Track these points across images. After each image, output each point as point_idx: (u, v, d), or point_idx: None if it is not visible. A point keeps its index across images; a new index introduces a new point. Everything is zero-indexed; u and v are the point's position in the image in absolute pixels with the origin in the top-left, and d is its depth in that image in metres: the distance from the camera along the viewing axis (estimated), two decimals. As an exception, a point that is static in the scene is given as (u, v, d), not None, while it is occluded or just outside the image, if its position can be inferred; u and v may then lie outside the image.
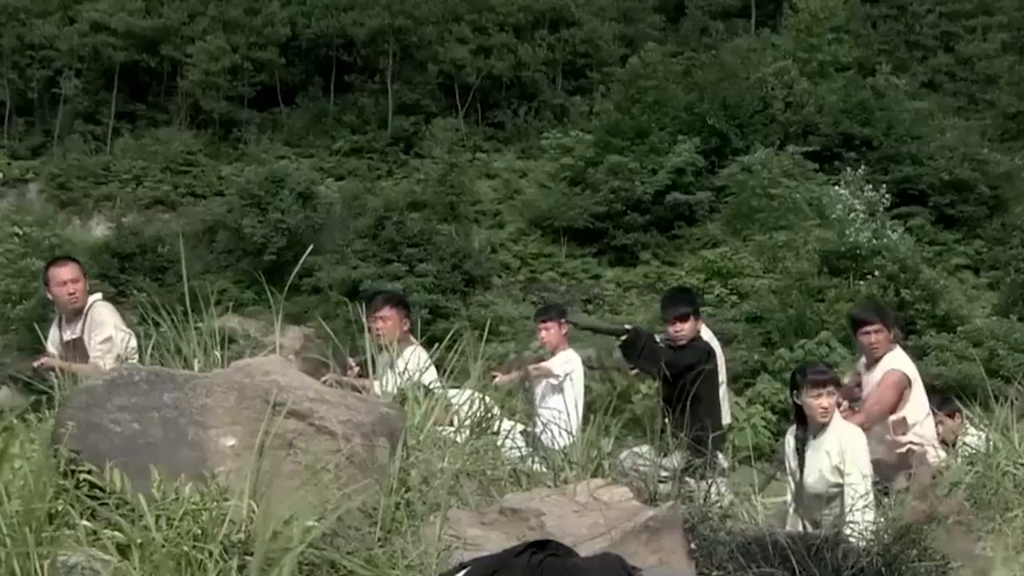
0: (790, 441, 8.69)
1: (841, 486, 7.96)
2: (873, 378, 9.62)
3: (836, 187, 65.44)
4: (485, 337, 11.35)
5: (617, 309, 64.28)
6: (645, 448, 10.52)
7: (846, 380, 10.09)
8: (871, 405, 9.44)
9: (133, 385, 5.14)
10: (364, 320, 10.52)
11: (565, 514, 5.13)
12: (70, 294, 9.81)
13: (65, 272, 9.91)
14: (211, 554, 4.54)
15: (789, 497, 8.62)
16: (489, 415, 6.86)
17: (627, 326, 10.53)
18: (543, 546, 4.58)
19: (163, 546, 4.48)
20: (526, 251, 72.21)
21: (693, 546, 5.21)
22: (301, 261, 53.42)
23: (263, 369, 5.36)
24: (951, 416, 11.44)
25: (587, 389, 11.97)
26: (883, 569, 5.72)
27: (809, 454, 8.37)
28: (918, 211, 69.51)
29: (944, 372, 45.21)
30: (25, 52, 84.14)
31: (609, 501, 5.23)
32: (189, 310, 7.07)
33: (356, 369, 8.68)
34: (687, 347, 10.27)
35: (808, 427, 8.45)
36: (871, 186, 64.77)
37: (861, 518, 7.08)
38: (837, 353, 45.46)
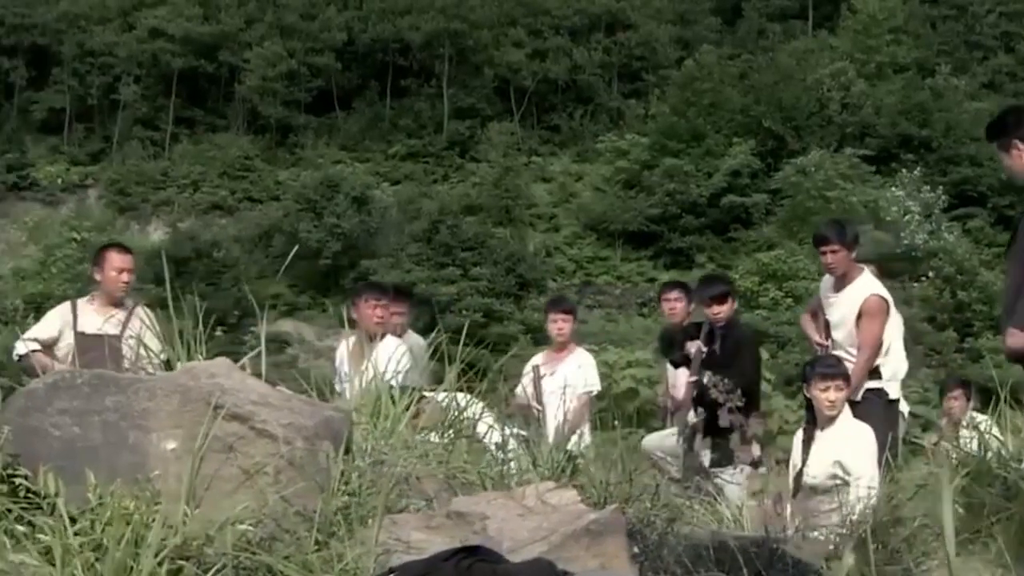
0: (799, 434, 8.66)
1: (841, 481, 7.86)
2: (843, 298, 9.60)
3: (893, 188, 65.04)
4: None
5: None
6: (669, 432, 10.50)
7: (812, 306, 10.13)
8: (865, 343, 9.42)
9: (75, 388, 5.13)
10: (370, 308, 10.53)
11: (509, 517, 5.08)
12: (124, 282, 9.76)
13: (123, 260, 9.87)
14: (137, 557, 4.52)
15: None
16: (462, 417, 6.80)
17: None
18: (474, 551, 4.55)
19: (81, 550, 4.47)
20: (581, 254, 72.21)
21: (636, 550, 5.14)
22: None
23: (209, 372, 5.34)
24: (965, 397, 11.46)
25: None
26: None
27: (814, 447, 8.34)
28: (976, 212, 68.90)
29: (998, 374, 44.69)
30: (85, 59, 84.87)
31: (557, 504, 5.18)
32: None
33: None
34: (733, 334, 10.17)
35: (817, 420, 8.44)
36: (928, 187, 64.35)
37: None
38: (890, 356, 45.07)
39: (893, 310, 9.67)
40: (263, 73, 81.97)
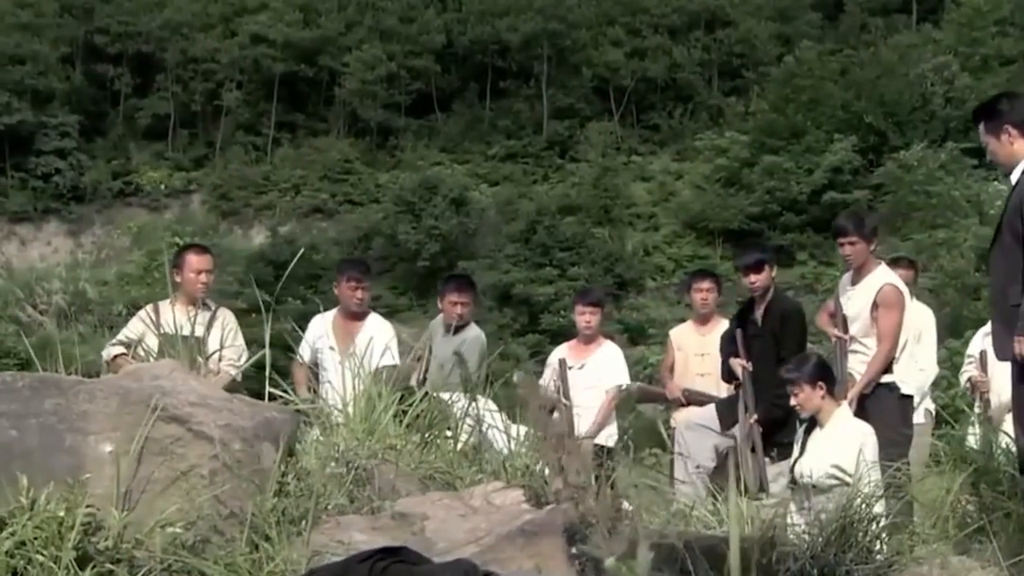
0: (800, 430, 8.57)
1: (837, 480, 7.73)
2: (859, 290, 9.55)
3: (996, 183, 63.99)
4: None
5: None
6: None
7: (828, 306, 9.98)
8: (884, 334, 9.30)
9: (15, 392, 5.14)
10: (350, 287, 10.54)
11: (450, 518, 5.04)
12: (203, 283, 9.84)
13: (201, 261, 9.93)
14: (59, 560, 4.52)
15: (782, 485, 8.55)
16: (441, 417, 6.74)
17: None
18: (395, 552, 4.50)
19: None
20: (680, 253, 71.73)
21: (574, 550, 5.05)
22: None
23: (152, 374, 5.34)
24: (908, 266, 11.33)
25: None
26: (815, 573, 5.54)
27: (811, 443, 8.25)
28: (1083, 206, 67.55)
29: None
30: (188, 66, 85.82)
31: (501, 504, 5.12)
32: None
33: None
34: (776, 306, 10.02)
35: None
36: (1032, 181, 63.27)
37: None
38: (986, 352, 44.32)
39: (909, 306, 9.54)
40: (363, 76, 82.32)
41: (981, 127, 7.41)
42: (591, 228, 69.12)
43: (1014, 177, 7.26)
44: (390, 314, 58.18)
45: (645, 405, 13.26)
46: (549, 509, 4.99)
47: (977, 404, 10.96)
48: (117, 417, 5.08)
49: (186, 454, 5.02)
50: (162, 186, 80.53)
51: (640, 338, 55.73)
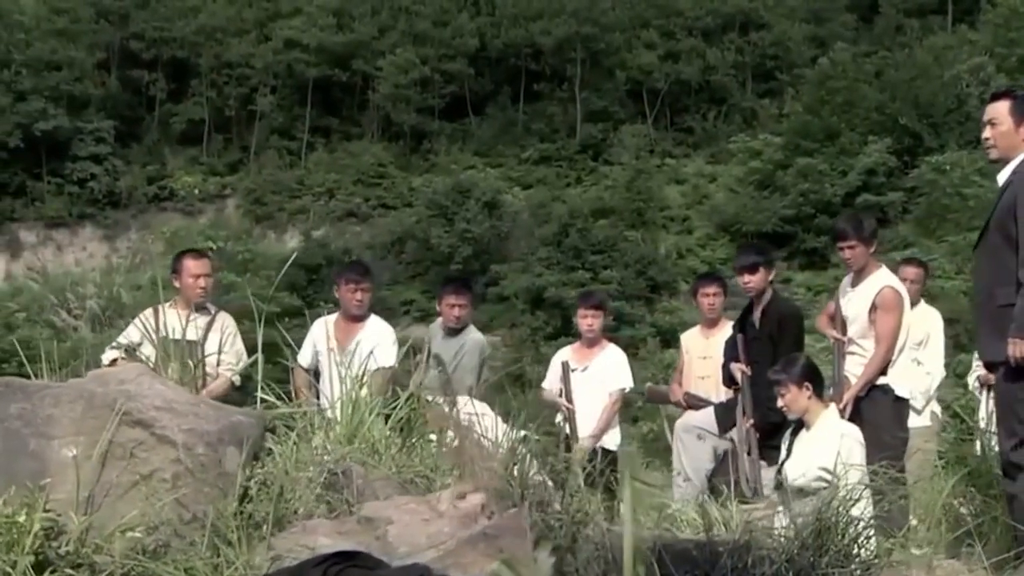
0: (788, 432, 8.52)
1: (824, 483, 7.66)
2: (859, 293, 9.42)
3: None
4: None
5: (808, 313, 62.89)
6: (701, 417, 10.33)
7: (828, 308, 9.88)
8: (882, 336, 9.18)
9: (-19, 397, 5.14)
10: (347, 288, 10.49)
11: (413, 522, 4.99)
12: (201, 288, 9.86)
13: (199, 265, 9.98)
14: (16, 565, 4.51)
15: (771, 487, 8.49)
16: (420, 420, 6.69)
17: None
18: (351, 557, 4.47)
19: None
20: (714, 256, 71.42)
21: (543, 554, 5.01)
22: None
23: (118, 378, 5.32)
24: (918, 266, 11.24)
25: None
26: (789, 578, 5.48)
27: (797, 445, 8.20)
28: (1121, 207, 67.04)
29: None
30: (223, 71, 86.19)
31: (467, 508, 5.08)
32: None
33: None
34: (773, 308, 9.97)
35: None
36: (1068, 182, 62.79)
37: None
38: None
39: (906, 306, 9.46)
40: (396, 80, 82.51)
41: (1003, 104, 7.26)
42: (624, 231, 69.02)
43: (1001, 177, 7.19)
44: (423, 318, 58.19)
45: (672, 408, 13.29)
46: (512, 512, 4.94)
47: (987, 401, 10.91)
48: (82, 421, 5.07)
49: (149, 458, 5.01)
50: (196, 191, 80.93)
51: (673, 341, 55.51)
